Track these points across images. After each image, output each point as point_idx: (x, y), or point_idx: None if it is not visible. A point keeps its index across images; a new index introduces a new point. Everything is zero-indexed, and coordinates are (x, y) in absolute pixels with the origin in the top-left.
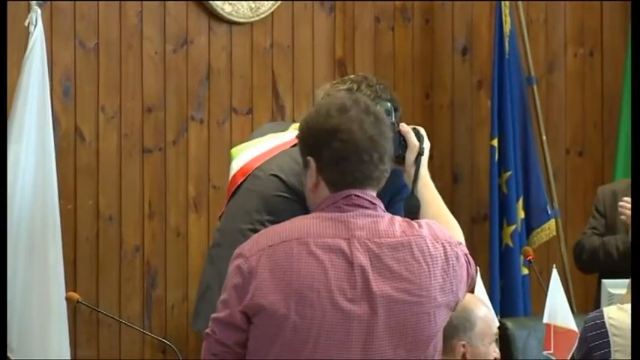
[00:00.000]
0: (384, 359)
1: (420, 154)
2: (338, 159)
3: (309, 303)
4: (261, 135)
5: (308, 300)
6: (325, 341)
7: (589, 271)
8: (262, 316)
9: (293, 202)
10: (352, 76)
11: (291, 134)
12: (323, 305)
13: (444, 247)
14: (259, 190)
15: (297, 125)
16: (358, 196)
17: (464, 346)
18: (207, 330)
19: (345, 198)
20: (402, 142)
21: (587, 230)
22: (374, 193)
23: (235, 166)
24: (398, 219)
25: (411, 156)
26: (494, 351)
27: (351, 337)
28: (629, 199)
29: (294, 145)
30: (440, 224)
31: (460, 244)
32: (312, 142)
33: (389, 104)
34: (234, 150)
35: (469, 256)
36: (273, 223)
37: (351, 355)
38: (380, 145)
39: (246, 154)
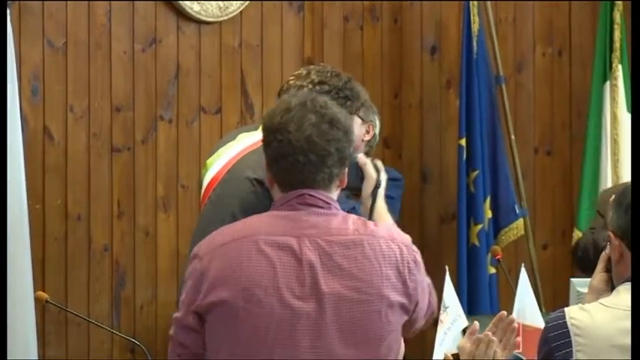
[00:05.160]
0: (333, 357)
1: (377, 186)
2: (277, 158)
3: (257, 300)
4: (233, 138)
5: (255, 297)
6: (273, 338)
7: (584, 268)
8: (214, 314)
9: (264, 198)
10: (313, 65)
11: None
12: (270, 303)
13: (400, 248)
14: (230, 194)
15: None
16: (311, 195)
17: None
18: (171, 331)
19: (298, 197)
20: (359, 174)
21: (586, 231)
22: (330, 194)
23: (208, 177)
24: (353, 217)
25: (367, 188)
26: None
27: (299, 334)
28: None
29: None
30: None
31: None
32: (263, 139)
33: (327, 87)
34: (209, 161)
35: (432, 287)
36: None
37: (299, 352)
38: (318, 146)
39: (219, 163)
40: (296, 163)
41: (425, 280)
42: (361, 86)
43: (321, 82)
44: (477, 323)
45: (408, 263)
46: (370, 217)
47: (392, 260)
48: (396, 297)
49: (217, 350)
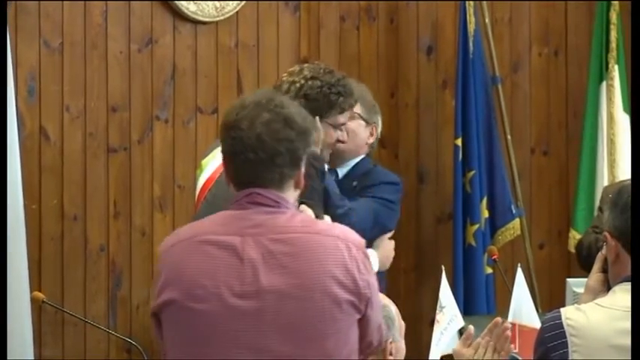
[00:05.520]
0: (275, 355)
1: None
2: (229, 155)
3: (199, 300)
4: None
5: (198, 297)
6: (214, 337)
7: (589, 268)
8: (164, 315)
9: None
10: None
11: None
12: (211, 302)
13: (348, 247)
14: (226, 194)
15: None
16: (259, 194)
17: (390, 343)
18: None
19: (248, 196)
20: None
21: (589, 229)
22: (282, 194)
23: (203, 177)
24: (303, 215)
25: None
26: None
27: (238, 332)
28: None
29: None
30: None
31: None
32: (219, 136)
33: (319, 82)
34: (204, 161)
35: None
36: None
37: (241, 349)
38: (268, 145)
39: (213, 163)
40: (246, 161)
41: (377, 294)
42: (362, 85)
43: (313, 78)
44: (471, 328)
45: (357, 262)
46: None
47: (338, 258)
48: (343, 294)
49: (169, 350)
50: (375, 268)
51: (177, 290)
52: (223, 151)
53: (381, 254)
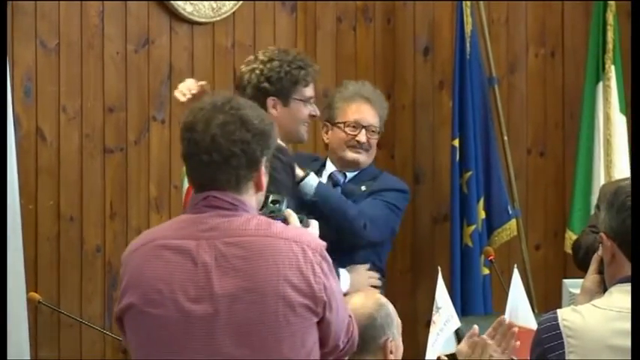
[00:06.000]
0: (230, 358)
1: None
2: (185, 157)
3: (155, 305)
4: None
5: (154, 302)
6: (168, 342)
7: (585, 268)
8: (125, 319)
9: None
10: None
11: None
12: (166, 306)
13: (303, 250)
14: None
15: None
16: (216, 197)
17: (390, 341)
18: None
19: (204, 199)
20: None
21: (586, 228)
22: (239, 196)
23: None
24: (259, 219)
25: None
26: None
27: (193, 336)
28: None
29: None
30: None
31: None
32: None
33: (277, 63)
34: None
35: (353, 319)
36: None
37: (194, 354)
38: (222, 146)
39: None
40: (201, 163)
41: (340, 296)
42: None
43: (270, 60)
44: (476, 327)
45: (313, 265)
46: None
47: (292, 261)
48: (297, 298)
49: (132, 353)
50: (344, 288)
51: (136, 295)
52: (181, 154)
53: (355, 279)
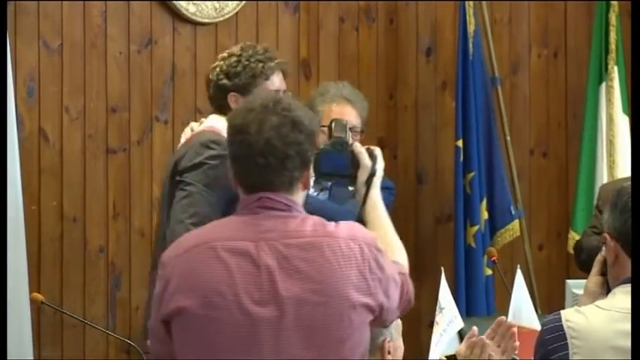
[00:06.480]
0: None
1: (372, 175)
2: (236, 159)
3: (217, 307)
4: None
5: (215, 304)
6: (234, 346)
7: (587, 269)
8: (176, 322)
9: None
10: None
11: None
12: (230, 309)
13: (361, 247)
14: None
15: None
16: (270, 198)
17: (388, 341)
18: (148, 341)
19: (258, 200)
20: (354, 162)
21: (587, 229)
22: (291, 196)
23: None
24: (313, 219)
25: (362, 176)
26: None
27: (260, 339)
28: None
29: None
30: (388, 245)
31: (397, 263)
32: (227, 138)
33: (236, 58)
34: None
35: (407, 277)
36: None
37: (263, 356)
38: (278, 149)
39: None
40: (255, 166)
41: (391, 275)
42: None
43: (230, 56)
44: (475, 328)
45: (369, 262)
46: (363, 205)
47: (352, 261)
48: (359, 297)
49: (180, 358)
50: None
51: (192, 298)
52: (230, 154)
53: None
